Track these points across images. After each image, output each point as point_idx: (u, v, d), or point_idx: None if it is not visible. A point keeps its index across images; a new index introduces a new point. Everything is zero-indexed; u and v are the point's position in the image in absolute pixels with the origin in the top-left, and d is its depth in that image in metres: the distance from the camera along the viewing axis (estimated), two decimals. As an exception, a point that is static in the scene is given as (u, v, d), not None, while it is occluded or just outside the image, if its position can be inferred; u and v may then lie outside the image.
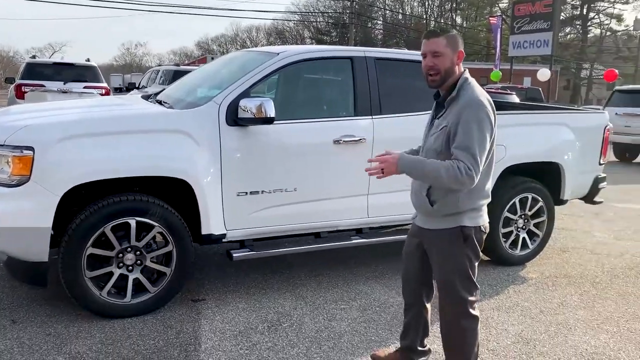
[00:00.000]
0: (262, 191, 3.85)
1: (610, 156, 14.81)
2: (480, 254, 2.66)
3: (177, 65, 16.17)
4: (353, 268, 4.73)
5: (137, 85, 14.75)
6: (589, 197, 5.38)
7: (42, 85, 10.22)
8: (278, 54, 4.04)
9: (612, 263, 5.20)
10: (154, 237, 3.60)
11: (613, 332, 3.69)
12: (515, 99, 11.73)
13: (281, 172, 3.89)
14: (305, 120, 4.02)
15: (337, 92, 4.44)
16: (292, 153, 3.91)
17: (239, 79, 3.85)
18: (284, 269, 4.60)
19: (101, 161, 3.33)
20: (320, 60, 4.19)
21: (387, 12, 61.54)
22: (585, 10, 46.80)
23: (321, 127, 4.03)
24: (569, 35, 48.19)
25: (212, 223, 3.70)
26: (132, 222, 3.46)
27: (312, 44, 55.55)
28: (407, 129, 4.28)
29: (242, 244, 3.98)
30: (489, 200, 2.62)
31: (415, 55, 4.56)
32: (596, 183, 5.30)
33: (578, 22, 47.60)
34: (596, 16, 47.55)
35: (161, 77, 13.07)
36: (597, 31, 48.14)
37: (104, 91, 10.74)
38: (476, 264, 2.62)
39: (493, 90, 12.55)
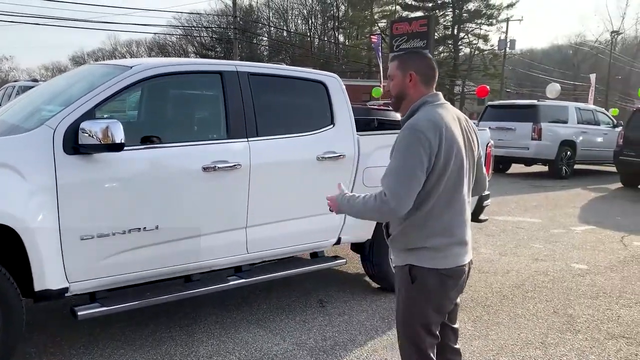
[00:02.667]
0: (114, 233, 3.18)
1: (486, 168, 15.56)
2: (444, 303, 2.28)
3: (36, 80, 14.58)
4: (232, 311, 4.16)
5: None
6: (474, 216, 5.26)
7: None
8: (131, 67, 3.41)
9: (500, 282, 5.12)
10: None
11: (510, 365, 3.48)
12: (396, 114, 11.83)
13: (137, 208, 3.25)
14: (167, 145, 3.42)
15: (206, 112, 3.89)
16: (150, 184, 3.29)
17: (81, 98, 3.17)
18: (148, 320, 3.92)
19: None
20: (183, 75, 3.61)
21: (272, 29, 61.74)
22: (455, 31, 50.15)
23: (187, 153, 3.44)
24: (442, 54, 51.20)
25: (48, 276, 2.97)
26: None
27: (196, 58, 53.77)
28: (290, 152, 3.86)
29: (92, 297, 3.28)
30: (455, 239, 2.23)
31: (295, 71, 4.15)
32: (481, 200, 5.21)
33: (450, 42, 50.82)
34: (465, 36, 51.10)
35: (17, 93, 11.64)
36: (467, 50, 51.72)
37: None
38: (431, 312, 2.26)
39: (375, 107, 12.62)
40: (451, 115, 2.25)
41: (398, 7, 51.52)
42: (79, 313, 3.10)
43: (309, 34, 60.46)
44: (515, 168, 14.31)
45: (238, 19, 45.31)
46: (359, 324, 4.00)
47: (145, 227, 3.29)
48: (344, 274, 5.17)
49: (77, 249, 3.07)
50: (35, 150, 2.94)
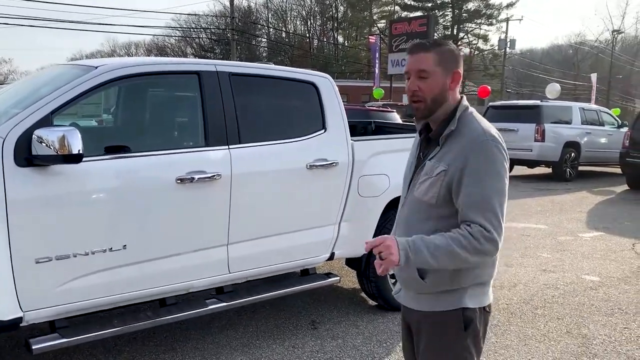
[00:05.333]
0: (75, 254, 2.81)
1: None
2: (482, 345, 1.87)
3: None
4: (215, 335, 3.79)
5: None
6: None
7: None
8: (96, 67, 3.03)
9: (507, 297, 4.75)
10: None
11: (522, 398, 3.10)
12: (396, 116, 11.45)
13: (102, 225, 2.88)
14: (136, 154, 3.04)
15: (181, 117, 3.51)
16: (116, 199, 2.91)
17: (37, 102, 2.80)
18: (123, 346, 3.55)
19: None
20: (155, 76, 3.24)
21: (271, 29, 61.39)
22: (455, 31, 49.78)
23: (158, 163, 3.06)
24: (442, 54, 50.72)
25: (-3, 305, 2.60)
26: None
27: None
28: (276, 161, 3.49)
29: (52, 326, 2.91)
30: (495, 268, 1.86)
31: (283, 71, 3.79)
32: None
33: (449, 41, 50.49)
34: (465, 36, 50.74)
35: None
36: (467, 50, 51.32)
37: None
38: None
39: (374, 108, 12.22)
40: None
41: (397, 8, 51.17)
42: (33, 347, 2.73)
43: (308, 35, 60.12)
44: (518, 170, 13.93)
45: (236, 20, 44.93)
46: (354, 349, 3.63)
47: (111, 248, 2.92)
48: (339, 290, 4.80)
49: (31, 272, 2.70)
50: (-19, 162, 2.57)
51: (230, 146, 3.31)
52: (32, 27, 40.09)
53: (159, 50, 65.04)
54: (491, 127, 1.81)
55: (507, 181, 1.75)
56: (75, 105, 2.97)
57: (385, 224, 3.96)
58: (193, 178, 3.11)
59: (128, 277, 3.01)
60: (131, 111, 3.50)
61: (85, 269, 2.86)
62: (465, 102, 1.86)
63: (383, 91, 22.71)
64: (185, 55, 62.93)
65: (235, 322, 4.00)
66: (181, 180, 3.07)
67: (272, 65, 3.77)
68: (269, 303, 4.30)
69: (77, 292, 2.86)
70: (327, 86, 3.85)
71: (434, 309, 1.82)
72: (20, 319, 2.73)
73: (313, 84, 3.79)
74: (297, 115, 3.75)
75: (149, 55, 66.17)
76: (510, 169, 14.01)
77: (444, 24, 49.39)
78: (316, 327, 3.97)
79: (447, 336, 1.80)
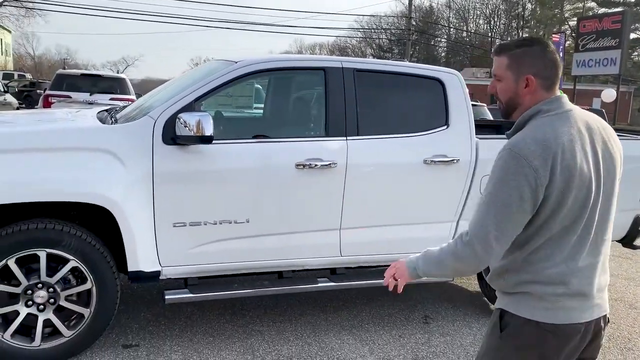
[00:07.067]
0: (206, 222, 3.27)
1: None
2: None
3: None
4: (330, 314, 4.04)
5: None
6: (628, 240, 4.45)
7: (69, 97, 10.17)
8: (236, 62, 3.47)
9: (655, 323, 4.25)
10: (74, 272, 3.10)
11: None
12: (486, 111, 10.77)
13: (230, 200, 3.30)
14: (263, 140, 3.42)
15: (306, 109, 3.81)
16: (241, 179, 3.31)
17: (184, 90, 3.31)
18: (245, 311, 3.99)
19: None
20: (286, 71, 3.59)
21: (452, 29, 60.23)
22: (664, 28, 43.80)
23: (281, 149, 3.40)
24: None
25: (141, 258, 3.15)
26: (42, 254, 2.97)
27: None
28: (389, 154, 3.61)
29: (185, 282, 3.41)
30: (570, 289, 1.67)
31: (409, 67, 3.88)
32: (637, 224, 4.38)
33: (657, 41, 44.61)
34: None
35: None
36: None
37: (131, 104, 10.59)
38: None
39: None
40: (576, 128, 1.68)
41: (593, 4, 46.58)
42: (166, 297, 3.25)
43: (490, 34, 57.73)
44: None
45: (416, 20, 44.94)
46: (460, 348, 3.60)
47: (236, 220, 3.34)
48: (462, 291, 4.74)
49: (169, 235, 3.22)
50: (137, 139, 3.14)
51: (348, 137, 3.52)
52: (228, 29, 44.38)
53: (341, 50, 67.77)
54: (535, 140, 1.63)
55: (516, 192, 1.59)
56: (229, 98, 3.44)
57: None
58: (310, 165, 3.38)
59: (250, 248, 3.41)
60: (266, 102, 3.90)
61: (214, 236, 3.30)
62: (542, 106, 1.73)
63: (566, 95, 20.98)
64: (364, 55, 64.72)
65: (350, 306, 4.21)
66: (300, 165, 3.37)
67: (399, 62, 3.89)
68: (386, 293, 4.43)
69: (206, 255, 3.33)
70: (455, 83, 3.85)
71: (495, 305, 1.84)
72: (158, 272, 3.26)
73: (439, 81, 3.82)
74: (419, 110, 3.82)
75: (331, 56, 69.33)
76: None
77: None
78: (428, 322, 4.01)
79: (490, 331, 1.81)
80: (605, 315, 1.75)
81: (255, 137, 3.44)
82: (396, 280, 1.86)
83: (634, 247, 4.47)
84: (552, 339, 1.68)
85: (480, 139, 3.86)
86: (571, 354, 1.71)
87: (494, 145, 3.88)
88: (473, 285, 4.81)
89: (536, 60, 1.73)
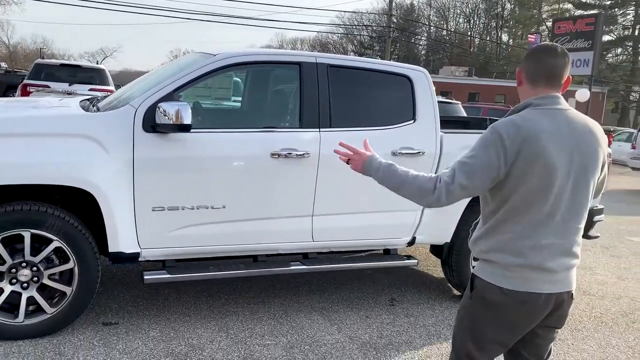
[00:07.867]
0: (183, 207, 3.45)
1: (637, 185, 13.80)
2: (503, 325, 1.98)
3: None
4: (302, 296, 4.26)
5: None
6: (584, 231, 4.74)
7: (47, 86, 10.19)
8: (215, 55, 3.65)
9: (604, 308, 4.55)
10: (57, 253, 3.25)
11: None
12: (460, 109, 11.02)
13: (206, 186, 3.48)
14: (239, 130, 3.61)
15: (281, 101, 4.01)
16: (220, 166, 3.50)
17: (164, 81, 3.48)
18: (220, 294, 4.18)
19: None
20: (263, 65, 3.78)
21: (432, 28, 60.76)
22: (637, 31, 44.85)
23: (258, 139, 3.60)
24: (618, 57, 46.20)
25: (121, 240, 3.32)
26: (27, 234, 3.12)
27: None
28: (359, 145, 3.79)
29: (163, 264, 3.59)
30: (527, 262, 1.92)
31: (379, 64, 4.10)
32: (591, 215, 4.67)
33: (629, 43, 45.63)
34: (650, 37, 45.45)
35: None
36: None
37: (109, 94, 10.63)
38: (485, 330, 2.00)
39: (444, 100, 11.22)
40: (557, 124, 1.91)
41: (570, 6, 47.49)
42: (145, 277, 3.43)
43: (469, 33, 58.44)
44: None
45: (397, 17, 45.31)
46: (423, 328, 3.85)
47: (213, 206, 3.52)
48: (428, 277, 4.99)
49: (148, 218, 3.39)
50: (118, 127, 3.30)
51: (321, 129, 3.73)
52: (209, 22, 44.20)
53: (322, 46, 67.84)
54: (513, 123, 1.90)
55: (487, 152, 1.89)
56: (208, 89, 3.61)
57: (469, 216, 4.09)
58: (285, 154, 3.58)
59: (226, 232, 3.60)
60: (242, 94, 4.08)
61: (191, 220, 3.48)
62: (532, 100, 1.98)
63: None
64: (346, 52, 64.95)
65: (321, 289, 4.43)
66: (275, 155, 3.57)
67: (370, 59, 4.11)
68: (357, 278, 4.66)
69: (183, 239, 3.51)
70: (422, 79, 4.08)
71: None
72: (138, 254, 3.44)
73: (408, 77, 4.05)
74: (389, 105, 4.04)
75: (312, 51, 69.41)
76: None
77: (623, 23, 44.72)
78: (394, 304, 4.25)
79: (465, 294, 2.11)
80: (569, 292, 1.99)
81: (227, 126, 3.61)
82: (349, 163, 2.30)
83: (589, 237, 4.77)
84: (510, 301, 1.95)
85: (445, 132, 4.10)
86: (533, 319, 1.97)
87: (458, 139, 4.13)
88: (438, 272, 5.06)
89: (528, 59, 2.06)
